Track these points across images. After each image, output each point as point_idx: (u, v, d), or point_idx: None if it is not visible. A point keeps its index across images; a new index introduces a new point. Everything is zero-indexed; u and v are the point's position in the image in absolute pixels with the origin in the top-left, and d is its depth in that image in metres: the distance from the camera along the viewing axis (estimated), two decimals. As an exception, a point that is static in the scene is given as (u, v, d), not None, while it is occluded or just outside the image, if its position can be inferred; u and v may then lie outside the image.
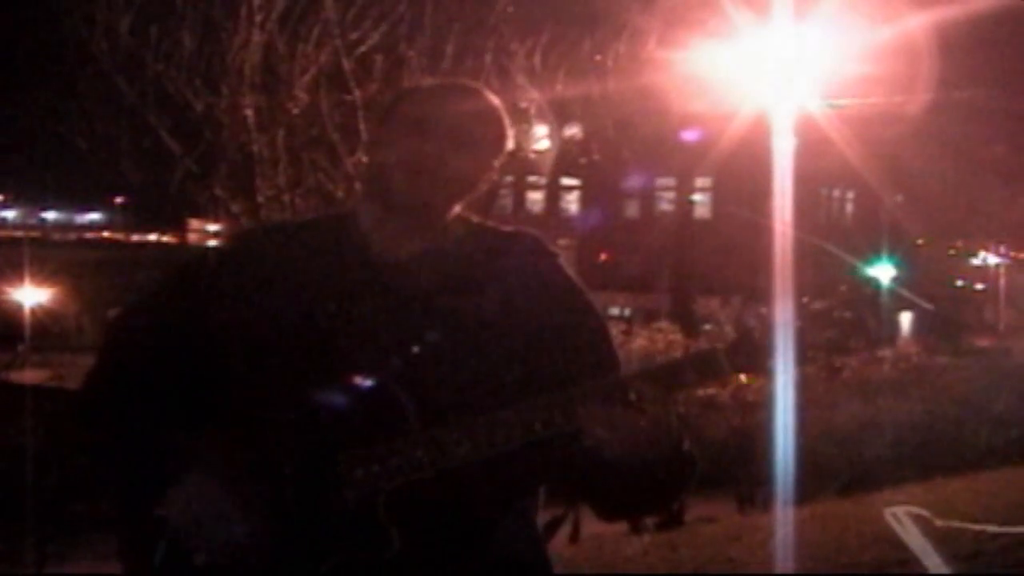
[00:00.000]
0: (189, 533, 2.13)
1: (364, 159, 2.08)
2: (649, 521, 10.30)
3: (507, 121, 2.29)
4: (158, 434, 2.19)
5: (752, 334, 2.14)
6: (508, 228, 2.36)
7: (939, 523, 4.86)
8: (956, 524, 5.15)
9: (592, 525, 11.23)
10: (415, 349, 2.16)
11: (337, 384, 2.15)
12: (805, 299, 2.16)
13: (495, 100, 2.29)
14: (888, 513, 4.80)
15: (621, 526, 10.33)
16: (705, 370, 2.15)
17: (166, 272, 2.40)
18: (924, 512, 4.70)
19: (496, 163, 2.28)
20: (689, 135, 18.23)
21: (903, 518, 4.67)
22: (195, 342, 2.22)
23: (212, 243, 8.40)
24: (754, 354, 2.13)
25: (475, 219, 2.32)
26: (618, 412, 2.08)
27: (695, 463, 2.19)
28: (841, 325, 2.13)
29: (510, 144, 2.32)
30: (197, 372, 2.21)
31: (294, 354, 2.18)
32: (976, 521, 6.59)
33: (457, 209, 2.27)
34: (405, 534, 2.11)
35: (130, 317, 2.41)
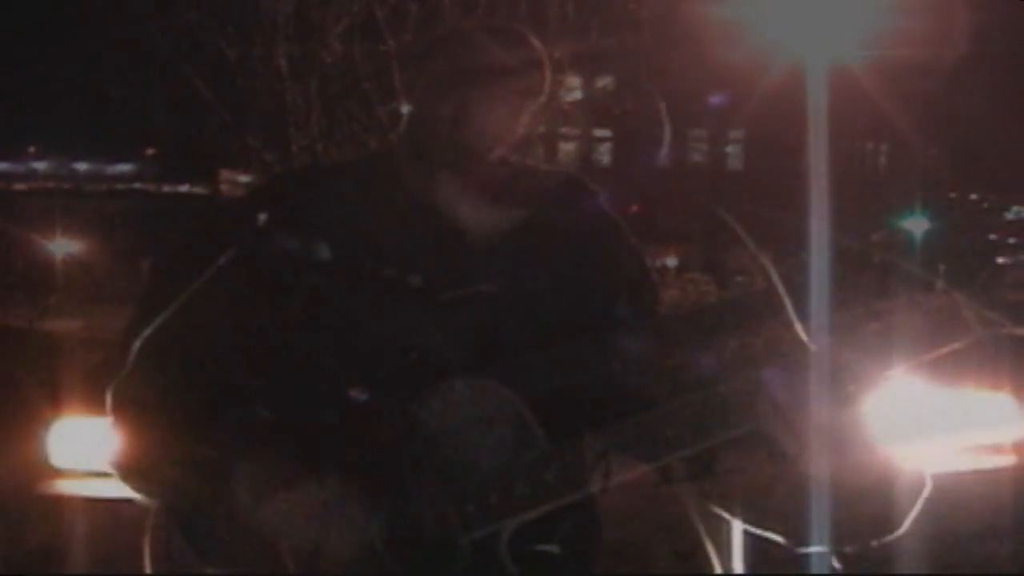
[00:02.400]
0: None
1: (401, 105, 2.07)
2: (679, 470, 10.30)
3: (548, 64, 2.28)
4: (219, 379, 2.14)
5: (790, 279, 2.14)
6: (548, 168, 2.35)
7: None
8: None
9: (622, 473, 11.22)
10: (459, 292, 2.16)
11: (376, 331, 2.14)
12: (844, 245, 2.17)
13: (536, 43, 2.28)
14: None
15: (651, 475, 10.34)
16: (743, 314, 2.16)
17: (203, 218, 2.36)
18: None
19: (536, 107, 2.27)
20: (717, 99, 18.03)
21: None
22: (242, 285, 2.20)
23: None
24: (791, 298, 2.13)
25: (515, 159, 2.30)
26: (651, 354, 2.09)
27: (728, 405, 2.20)
28: (879, 269, 2.14)
29: (548, 89, 2.30)
30: (246, 317, 2.17)
31: (340, 297, 2.17)
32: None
33: (497, 153, 2.26)
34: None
35: (171, 261, 2.36)
